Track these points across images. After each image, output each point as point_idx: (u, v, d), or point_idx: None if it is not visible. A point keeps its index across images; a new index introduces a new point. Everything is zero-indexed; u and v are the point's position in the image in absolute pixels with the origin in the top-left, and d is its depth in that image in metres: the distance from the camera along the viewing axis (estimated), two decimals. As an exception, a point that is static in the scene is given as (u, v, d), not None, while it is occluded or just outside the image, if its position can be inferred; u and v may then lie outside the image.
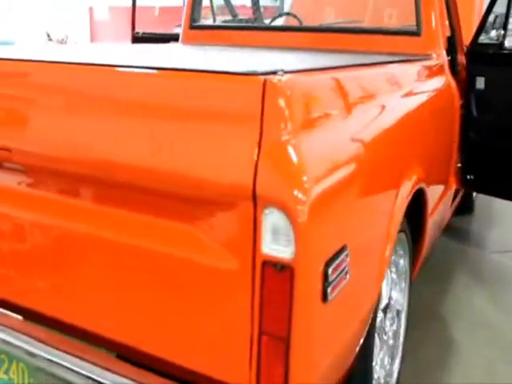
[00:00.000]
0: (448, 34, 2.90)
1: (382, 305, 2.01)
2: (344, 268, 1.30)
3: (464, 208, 4.12)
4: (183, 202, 1.27)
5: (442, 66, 2.72)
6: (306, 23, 3.93)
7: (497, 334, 2.66)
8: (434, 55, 2.71)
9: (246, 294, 1.20)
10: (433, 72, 2.61)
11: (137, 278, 1.35)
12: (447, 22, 3.35)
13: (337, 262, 1.26)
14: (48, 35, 11.46)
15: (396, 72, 2.15)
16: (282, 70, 1.23)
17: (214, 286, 1.24)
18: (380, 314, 1.98)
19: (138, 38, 4.20)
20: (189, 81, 1.30)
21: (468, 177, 3.48)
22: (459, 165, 3.10)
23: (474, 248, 3.59)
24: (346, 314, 1.44)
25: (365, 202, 1.48)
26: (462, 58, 3.41)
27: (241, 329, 1.23)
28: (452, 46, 3.42)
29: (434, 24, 2.73)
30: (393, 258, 1.97)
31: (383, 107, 1.77)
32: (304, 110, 1.26)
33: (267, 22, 3.89)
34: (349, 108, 1.50)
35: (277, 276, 1.16)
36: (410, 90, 2.14)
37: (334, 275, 1.25)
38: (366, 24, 4.03)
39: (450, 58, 3.51)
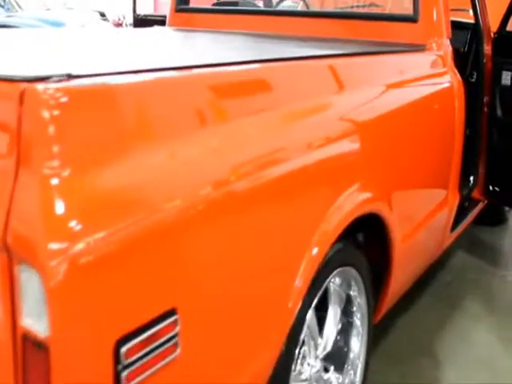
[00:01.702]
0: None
1: (321, 354, 1.65)
2: (165, 342, 0.96)
3: (493, 219, 3.61)
4: None
5: (442, 58, 2.27)
6: (316, 7, 3.55)
7: (498, 379, 2.22)
8: (434, 45, 2.27)
9: (7, 374, 0.89)
10: (426, 65, 2.18)
11: None
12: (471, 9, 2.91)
13: (143, 336, 0.92)
14: (102, 14, 11.04)
15: (353, 65, 1.75)
16: (68, 74, 0.89)
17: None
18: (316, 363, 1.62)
19: (139, 21, 3.94)
20: None
21: (491, 187, 3.03)
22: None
23: (494, 269, 3.08)
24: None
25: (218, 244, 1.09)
26: (488, 49, 2.95)
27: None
28: (476, 34, 2.98)
29: (434, 8, 2.28)
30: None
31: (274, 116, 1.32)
32: (85, 132, 0.89)
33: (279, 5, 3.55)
34: (190, 125, 1.09)
35: (36, 356, 0.85)
36: (367, 88, 1.73)
37: (138, 355, 0.91)
38: (387, 9, 3.60)
39: (473, 48, 3.11)
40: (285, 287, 1.30)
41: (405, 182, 1.90)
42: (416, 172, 1.98)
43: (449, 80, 2.24)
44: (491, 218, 3.58)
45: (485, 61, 2.98)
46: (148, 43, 2.03)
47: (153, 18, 3.91)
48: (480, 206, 3.10)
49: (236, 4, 3.12)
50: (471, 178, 3.05)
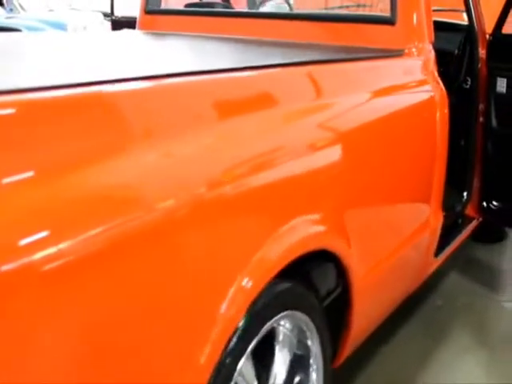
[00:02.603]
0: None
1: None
2: None
3: (491, 236, 3.35)
4: None
5: (422, 65, 2.04)
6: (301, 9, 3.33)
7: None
8: (414, 50, 2.03)
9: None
10: (402, 73, 1.95)
11: None
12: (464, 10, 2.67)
13: None
14: (106, 15, 10.74)
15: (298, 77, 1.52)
16: None
17: None
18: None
19: (116, 22, 3.75)
20: None
21: (485, 204, 2.79)
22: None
23: (490, 292, 2.82)
24: None
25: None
26: (483, 53, 2.71)
27: None
28: (470, 37, 2.74)
29: (414, 9, 2.05)
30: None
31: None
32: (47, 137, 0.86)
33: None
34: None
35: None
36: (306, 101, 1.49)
37: None
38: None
39: (467, 51, 2.87)
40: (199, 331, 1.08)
41: (371, 208, 1.67)
42: (386, 195, 1.75)
43: (429, 89, 2.00)
44: (489, 235, 3.31)
45: (480, 66, 2.74)
46: (106, 49, 1.86)
47: (132, 19, 3.70)
48: (474, 223, 2.86)
49: (209, 6, 2.90)
50: (465, 194, 2.81)
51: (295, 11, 2.97)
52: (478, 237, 3.16)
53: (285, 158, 1.30)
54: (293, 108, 1.40)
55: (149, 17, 2.84)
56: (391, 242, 1.82)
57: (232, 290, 1.14)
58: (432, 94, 2.00)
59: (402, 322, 2.48)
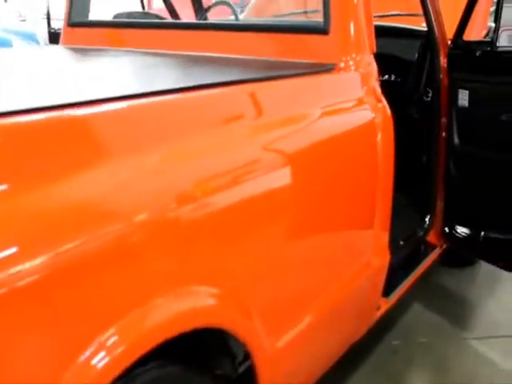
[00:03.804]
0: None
1: None
2: None
3: (460, 260, 3.07)
4: None
5: (361, 80, 1.75)
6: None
7: None
8: (351, 63, 1.74)
9: None
10: (331, 92, 1.66)
11: None
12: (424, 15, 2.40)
13: None
14: None
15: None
16: None
17: None
18: None
19: (54, 34, 3.45)
20: None
21: (448, 229, 2.51)
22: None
23: (453, 329, 2.53)
24: None
25: None
26: (444, 62, 2.44)
27: None
28: (429, 44, 2.47)
29: (351, 16, 1.76)
30: None
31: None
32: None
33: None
34: None
35: None
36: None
37: None
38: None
39: (428, 60, 2.60)
40: None
41: (286, 262, 1.37)
42: (307, 244, 1.46)
43: (368, 110, 1.71)
44: (457, 258, 3.03)
45: (441, 76, 2.47)
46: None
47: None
48: (437, 251, 2.58)
49: (139, 17, 2.61)
50: (426, 219, 2.53)
51: (215, 21, 2.67)
52: (444, 261, 2.88)
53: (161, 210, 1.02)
54: (198, 140, 1.13)
55: (73, 30, 2.54)
56: (316, 298, 1.53)
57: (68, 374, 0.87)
58: (372, 115, 1.71)
59: (351, 368, 2.20)
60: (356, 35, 1.77)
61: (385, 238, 1.86)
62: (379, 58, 2.64)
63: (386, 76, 2.75)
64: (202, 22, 2.64)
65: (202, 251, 1.11)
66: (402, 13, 2.86)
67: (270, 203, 1.29)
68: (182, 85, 1.25)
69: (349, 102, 1.68)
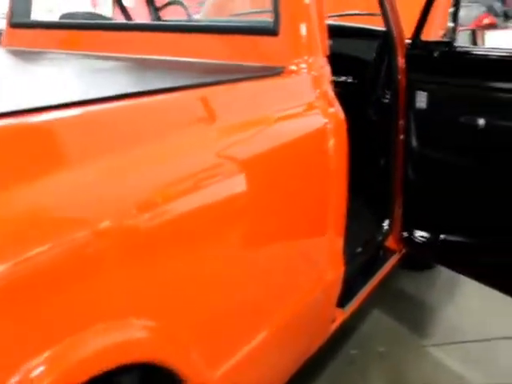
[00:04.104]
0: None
1: None
2: None
3: (419, 263, 3.02)
4: None
5: (313, 84, 1.67)
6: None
7: None
8: (302, 66, 1.66)
9: None
10: (279, 97, 1.56)
11: None
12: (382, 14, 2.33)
13: None
14: None
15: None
16: None
17: None
18: None
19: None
20: None
21: (405, 234, 2.46)
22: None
23: (412, 336, 2.47)
24: None
25: None
26: (402, 62, 2.37)
27: None
28: (387, 44, 2.41)
29: (302, 16, 1.67)
30: None
31: None
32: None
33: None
34: None
35: None
36: None
37: None
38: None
39: (386, 61, 2.53)
40: None
41: (224, 286, 1.27)
42: (250, 261, 1.36)
43: (319, 115, 1.63)
44: (417, 262, 2.98)
45: (399, 77, 2.40)
46: None
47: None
48: (397, 257, 2.52)
49: (84, 18, 2.48)
50: (385, 223, 2.47)
51: (161, 22, 2.56)
52: (404, 264, 2.83)
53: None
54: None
55: (15, 31, 2.40)
56: (265, 316, 1.44)
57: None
58: (323, 120, 1.63)
59: (307, 380, 2.12)
60: (308, 36, 1.68)
61: (339, 248, 1.78)
62: (336, 58, 2.56)
63: (344, 77, 2.67)
64: (146, 22, 2.53)
65: (131, 279, 1.01)
66: (360, 12, 2.78)
67: (209, 219, 1.20)
68: (123, 91, 1.17)
69: (299, 108, 1.59)
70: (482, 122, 2.09)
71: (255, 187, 1.33)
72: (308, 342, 1.77)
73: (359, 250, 2.25)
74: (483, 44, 3.25)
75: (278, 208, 1.44)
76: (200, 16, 3.58)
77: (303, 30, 1.67)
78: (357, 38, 2.70)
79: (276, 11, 1.65)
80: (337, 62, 2.67)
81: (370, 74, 2.60)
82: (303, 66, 1.66)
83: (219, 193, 1.23)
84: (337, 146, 1.65)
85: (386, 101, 2.52)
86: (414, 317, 2.62)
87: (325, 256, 1.71)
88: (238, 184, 1.29)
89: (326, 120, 1.63)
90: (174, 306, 1.10)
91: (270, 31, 1.66)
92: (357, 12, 2.78)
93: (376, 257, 2.44)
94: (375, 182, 2.59)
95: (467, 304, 2.70)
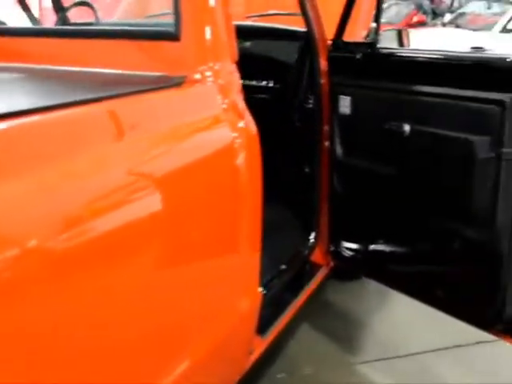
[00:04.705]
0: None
1: None
2: None
3: (347, 274, 2.90)
4: None
5: (218, 96, 1.49)
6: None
7: None
8: (207, 74, 1.48)
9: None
10: (178, 112, 1.38)
11: None
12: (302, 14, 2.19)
13: None
14: None
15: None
16: None
17: None
18: None
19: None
20: None
21: (332, 247, 2.33)
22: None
23: (341, 354, 2.35)
24: None
25: None
26: (324, 64, 2.24)
27: None
28: (309, 45, 2.27)
29: (206, 19, 1.50)
30: None
31: None
32: None
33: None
34: None
35: None
36: None
37: None
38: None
39: (308, 64, 2.40)
40: None
41: (110, 336, 1.09)
42: (142, 303, 1.18)
43: (226, 126, 1.46)
44: (345, 273, 2.85)
45: (322, 81, 2.27)
46: None
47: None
48: (324, 271, 2.39)
49: None
50: (311, 236, 2.34)
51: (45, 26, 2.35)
52: (331, 275, 2.70)
53: None
54: None
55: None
56: (170, 358, 1.26)
57: None
58: (231, 134, 1.46)
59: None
60: (213, 41, 1.51)
61: (254, 272, 1.62)
62: (257, 61, 2.40)
63: (265, 82, 2.52)
64: (34, 27, 2.30)
65: None
66: (279, 12, 2.63)
67: (105, 246, 1.02)
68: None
69: (203, 122, 1.41)
70: (407, 128, 1.98)
71: (159, 211, 1.16)
72: (222, 381, 1.60)
73: (283, 267, 2.11)
74: (408, 43, 3.16)
75: (183, 231, 1.27)
76: (116, 17, 3.35)
77: (208, 33, 1.49)
78: (278, 40, 2.55)
79: (177, 13, 1.47)
80: (257, 65, 2.52)
81: (292, 78, 2.46)
82: (208, 73, 1.48)
83: (119, 217, 1.06)
84: (248, 163, 1.48)
85: (310, 106, 2.38)
86: (342, 333, 2.50)
87: (238, 281, 1.55)
88: (140, 208, 1.11)
89: (235, 134, 1.47)
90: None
91: (171, 36, 1.48)
92: (276, 12, 2.63)
93: (302, 273, 2.30)
94: (299, 192, 2.46)
95: (395, 317, 2.61)
